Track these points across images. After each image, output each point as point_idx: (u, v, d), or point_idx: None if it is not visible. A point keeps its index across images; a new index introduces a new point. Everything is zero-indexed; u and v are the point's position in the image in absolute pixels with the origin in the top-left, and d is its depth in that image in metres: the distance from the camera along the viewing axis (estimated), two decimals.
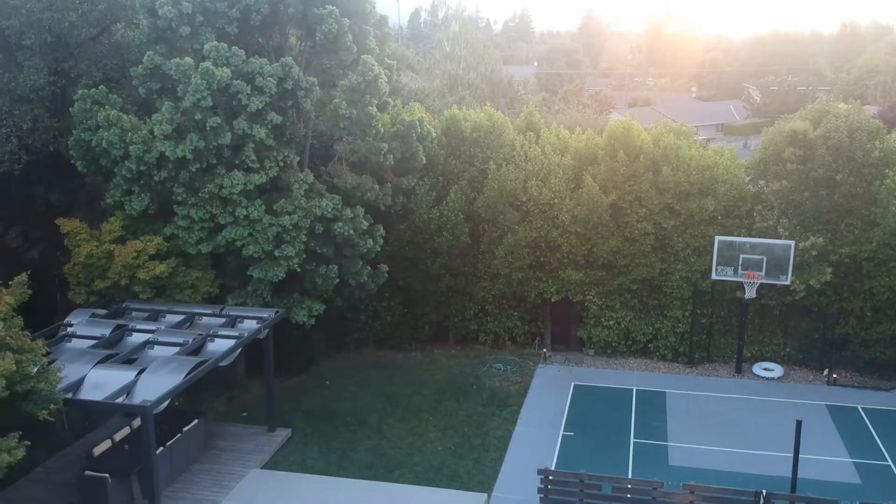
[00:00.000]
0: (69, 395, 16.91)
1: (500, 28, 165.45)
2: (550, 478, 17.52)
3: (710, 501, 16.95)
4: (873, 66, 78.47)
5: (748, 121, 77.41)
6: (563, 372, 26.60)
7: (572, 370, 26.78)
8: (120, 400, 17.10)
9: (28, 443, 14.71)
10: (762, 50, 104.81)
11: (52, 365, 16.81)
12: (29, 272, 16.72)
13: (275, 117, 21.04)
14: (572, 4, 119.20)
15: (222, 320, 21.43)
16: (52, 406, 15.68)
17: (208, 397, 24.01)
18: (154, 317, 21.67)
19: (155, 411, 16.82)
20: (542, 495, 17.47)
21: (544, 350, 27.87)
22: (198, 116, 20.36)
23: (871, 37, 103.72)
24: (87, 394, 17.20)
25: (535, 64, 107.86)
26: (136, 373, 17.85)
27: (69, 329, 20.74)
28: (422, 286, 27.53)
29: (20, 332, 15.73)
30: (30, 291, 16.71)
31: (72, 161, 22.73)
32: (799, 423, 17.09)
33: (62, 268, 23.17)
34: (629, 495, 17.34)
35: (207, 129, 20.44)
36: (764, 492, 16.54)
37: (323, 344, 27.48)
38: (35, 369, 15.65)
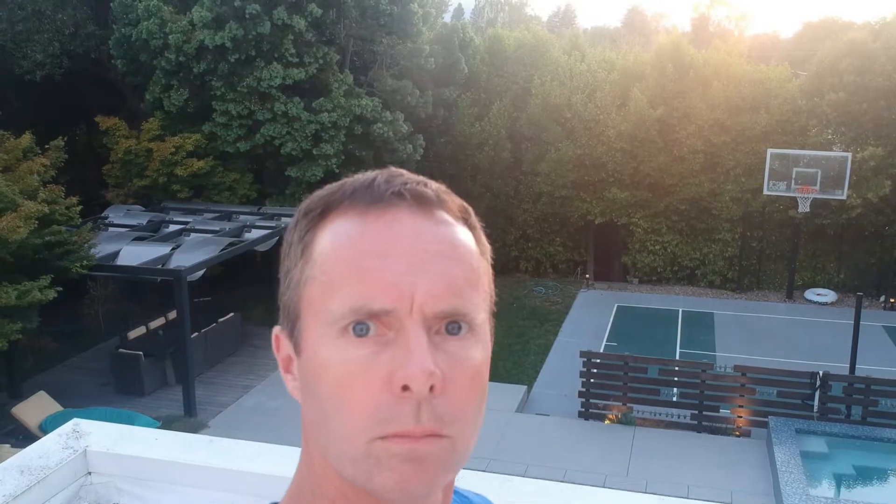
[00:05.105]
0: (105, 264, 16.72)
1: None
2: (594, 360, 16.81)
3: (762, 384, 16.14)
4: None
5: None
6: (606, 295, 25.86)
7: (616, 294, 26.03)
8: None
9: (60, 289, 14.51)
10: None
11: (84, 225, 16.67)
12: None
13: (315, 9, 20.66)
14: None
15: (260, 217, 21.16)
16: (84, 262, 15.49)
17: (245, 308, 23.66)
18: (191, 213, 21.46)
19: (190, 278, 16.50)
20: (584, 379, 16.75)
21: (587, 276, 27.13)
22: (237, 3, 20.08)
23: None
24: (122, 261, 16.97)
25: None
26: (170, 248, 17.61)
27: (106, 220, 20.62)
28: None
29: (54, 186, 15.58)
30: (67, 154, 16.59)
31: (112, 61, 22.63)
32: (859, 298, 16.18)
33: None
34: (676, 378, 16.59)
35: (246, 16, 20.14)
36: (821, 372, 15.66)
37: None
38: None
